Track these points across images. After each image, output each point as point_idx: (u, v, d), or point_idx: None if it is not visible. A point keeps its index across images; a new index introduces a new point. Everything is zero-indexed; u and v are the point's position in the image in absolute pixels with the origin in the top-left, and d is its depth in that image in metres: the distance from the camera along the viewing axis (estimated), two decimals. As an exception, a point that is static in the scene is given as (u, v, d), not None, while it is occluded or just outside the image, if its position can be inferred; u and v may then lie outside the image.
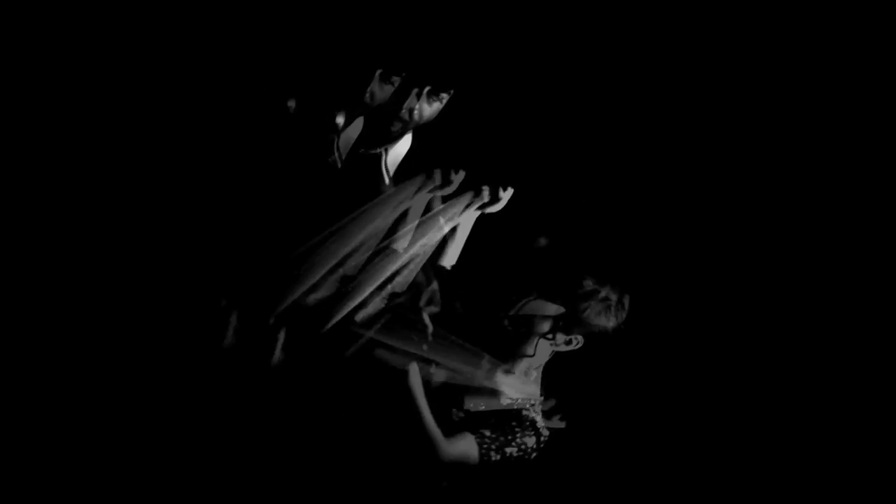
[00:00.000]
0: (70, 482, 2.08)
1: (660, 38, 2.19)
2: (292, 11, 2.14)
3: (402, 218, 2.10)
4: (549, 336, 2.02)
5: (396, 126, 2.11)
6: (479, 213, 2.17)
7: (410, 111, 2.07)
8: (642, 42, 2.20)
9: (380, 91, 2.07)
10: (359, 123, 2.15)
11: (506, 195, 2.15)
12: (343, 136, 2.14)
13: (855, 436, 2.15)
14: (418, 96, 2.05)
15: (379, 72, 2.03)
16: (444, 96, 2.10)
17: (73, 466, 2.09)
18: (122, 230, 2.17)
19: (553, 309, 2.17)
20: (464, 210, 2.12)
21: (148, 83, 2.18)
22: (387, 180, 2.16)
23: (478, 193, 2.11)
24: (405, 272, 2.10)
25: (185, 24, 2.15)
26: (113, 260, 2.15)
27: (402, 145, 2.17)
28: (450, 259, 2.20)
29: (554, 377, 2.14)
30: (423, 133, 2.19)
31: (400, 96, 2.07)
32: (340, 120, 2.13)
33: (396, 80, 2.04)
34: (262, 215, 2.11)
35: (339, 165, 2.14)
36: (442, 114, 2.16)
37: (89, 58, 2.13)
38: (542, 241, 2.28)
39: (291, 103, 2.09)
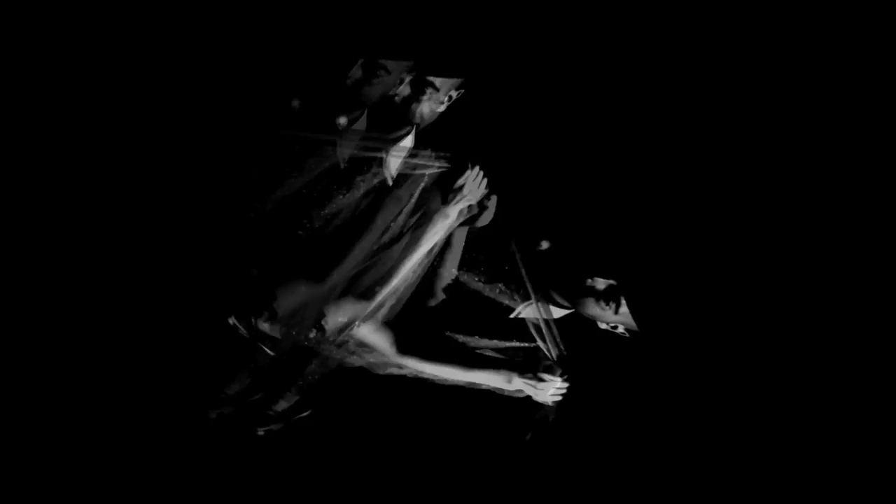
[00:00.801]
0: (70, 482, 2.07)
1: (660, 38, 2.19)
2: (293, 11, 2.14)
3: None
4: None
5: (398, 124, 2.11)
6: (466, 228, 2.18)
7: (404, 101, 2.06)
8: (643, 42, 2.21)
9: (369, 85, 2.06)
10: (361, 125, 2.15)
11: (491, 204, 2.17)
12: (345, 137, 2.14)
13: (855, 436, 2.14)
14: (413, 88, 2.05)
15: (361, 60, 2.03)
16: (442, 95, 2.10)
17: (73, 466, 2.08)
18: (122, 231, 2.16)
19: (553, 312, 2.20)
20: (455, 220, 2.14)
21: (148, 84, 2.17)
22: (389, 181, 2.16)
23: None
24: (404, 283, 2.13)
25: (185, 24, 2.15)
26: (113, 262, 2.15)
27: (404, 146, 2.18)
28: (450, 268, 2.21)
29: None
30: (425, 133, 2.20)
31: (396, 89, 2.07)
32: (342, 121, 2.13)
33: (383, 72, 2.04)
34: (264, 216, 2.12)
35: (342, 166, 2.15)
36: (444, 115, 2.17)
37: (88, 58, 2.13)
38: (544, 245, 2.29)
39: (295, 102, 2.09)
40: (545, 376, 2.11)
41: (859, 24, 2.12)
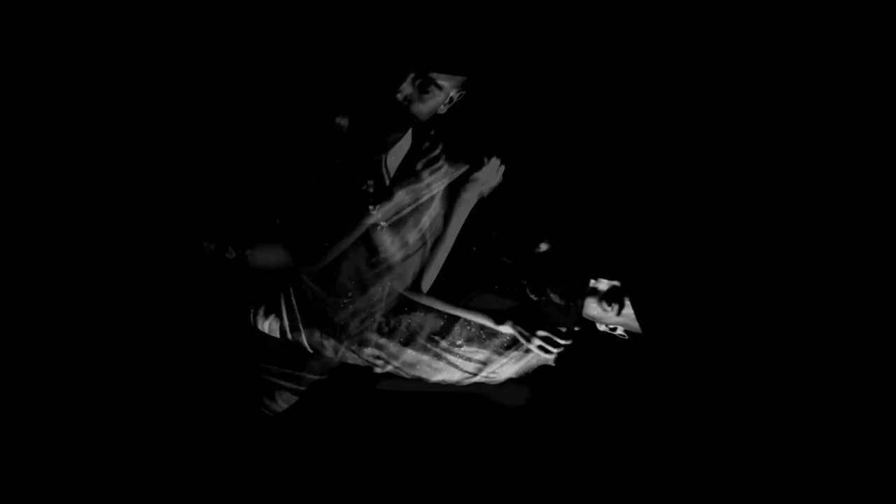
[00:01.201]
0: (68, 481, 2.07)
1: (660, 38, 2.19)
2: (296, 10, 2.14)
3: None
4: None
5: (397, 123, 2.11)
6: (475, 195, 2.18)
7: (405, 99, 2.05)
8: (643, 42, 2.20)
9: (420, 101, 2.06)
10: (361, 124, 2.15)
11: (491, 165, 2.16)
12: (346, 136, 2.14)
13: (855, 436, 2.13)
14: (413, 83, 2.03)
15: (412, 76, 2.02)
16: (444, 95, 2.09)
17: (71, 466, 2.08)
18: (128, 232, 2.16)
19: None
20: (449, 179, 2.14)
21: (151, 85, 2.18)
22: (387, 181, 2.16)
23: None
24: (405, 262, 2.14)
25: (189, 25, 2.16)
26: (125, 263, 2.15)
27: (403, 146, 2.17)
28: (442, 253, 2.21)
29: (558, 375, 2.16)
30: (424, 134, 2.20)
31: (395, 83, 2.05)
32: (343, 122, 2.13)
33: (433, 87, 2.03)
34: (266, 216, 2.12)
35: (342, 167, 2.15)
36: (444, 115, 2.16)
37: (104, 62, 2.14)
38: (543, 247, 2.28)
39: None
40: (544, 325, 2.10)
41: (859, 24, 2.11)
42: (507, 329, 2.12)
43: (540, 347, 2.11)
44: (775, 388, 2.16)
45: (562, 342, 2.11)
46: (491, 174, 2.18)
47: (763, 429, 2.17)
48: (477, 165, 2.17)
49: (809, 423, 2.12)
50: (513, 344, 2.15)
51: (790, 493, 2.12)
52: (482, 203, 2.21)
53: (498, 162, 2.17)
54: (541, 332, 2.10)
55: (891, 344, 2.07)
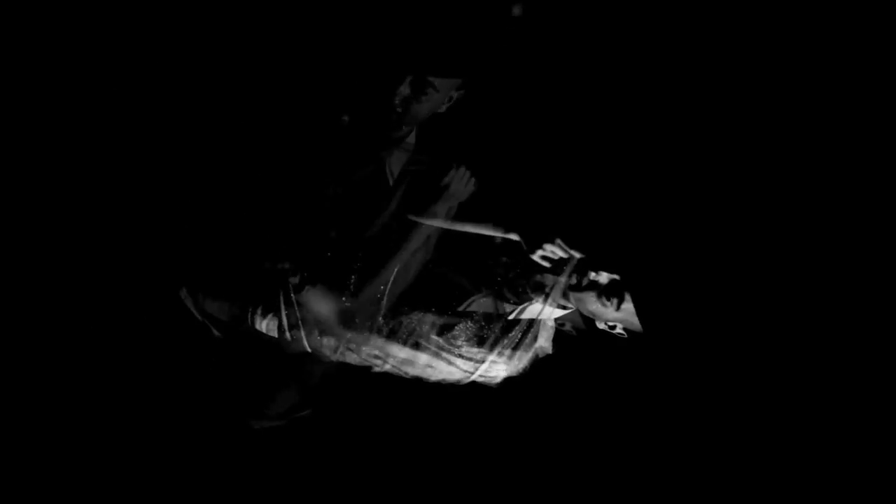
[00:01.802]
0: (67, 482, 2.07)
1: (660, 38, 2.20)
2: (295, 11, 2.16)
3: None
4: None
5: (392, 117, 2.11)
6: (444, 209, 2.17)
7: (404, 101, 2.05)
8: (642, 42, 2.21)
9: (417, 102, 2.06)
10: (363, 124, 2.15)
11: (458, 174, 2.15)
12: (348, 136, 2.15)
13: (855, 437, 2.13)
14: (411, 86, 2.04)
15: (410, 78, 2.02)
16: (442, 96, 2.09)
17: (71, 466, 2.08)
18: (132, 233, 2.17)
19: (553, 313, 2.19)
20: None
21: (153, 84, 2.19)
22: (390, 181, 2.17)
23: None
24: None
25: (189, 25, 2.17)
26: (135, 264, 2.16)
27: (406, 147, 2.18)
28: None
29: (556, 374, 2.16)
30: (425, 134, 2.20)
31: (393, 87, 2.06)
32: (344, 122, 2.14)
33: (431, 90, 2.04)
34: (267, 216, 2.13)
35: (344, 167, 2.15)
36: (444, 115, 2.17)
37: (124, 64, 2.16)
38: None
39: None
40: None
41: (859, 24, 2.12)
42: (513, 236, 2.06)
43: (543, 257, 2.05)
44: (777, 392, 2.16)
45: (560, 254, 2.04)
46: (459, 185, 2.16)
47: (764, 431, 2.17)
48: (445, 171, 2.16)
49: (810, 421, 2.11)
50: (511, 341, 2.15)
51: (790, 493, 2.11)
52: (483, 204, 2.22)
53: (467, 173, 2.16)
54: (544, 244, 2.03)
55: (891, 344, 2.07)
